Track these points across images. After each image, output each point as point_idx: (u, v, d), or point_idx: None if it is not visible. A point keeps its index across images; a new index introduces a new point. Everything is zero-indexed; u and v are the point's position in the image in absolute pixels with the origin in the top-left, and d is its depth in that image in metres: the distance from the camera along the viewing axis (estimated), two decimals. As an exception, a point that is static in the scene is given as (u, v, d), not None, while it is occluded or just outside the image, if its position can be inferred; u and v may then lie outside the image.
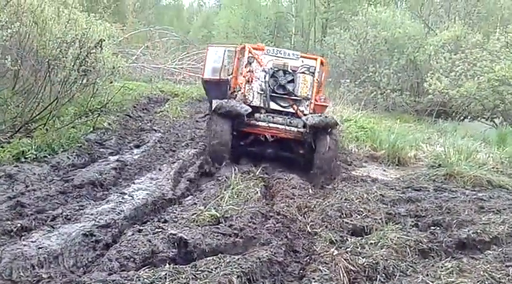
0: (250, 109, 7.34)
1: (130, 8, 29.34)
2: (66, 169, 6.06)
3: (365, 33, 19.99)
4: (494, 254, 3.96)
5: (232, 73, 8.39)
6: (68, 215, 4.02)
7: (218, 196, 5.19)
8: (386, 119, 14.69)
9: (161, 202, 5.04)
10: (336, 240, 4.18)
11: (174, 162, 6.77)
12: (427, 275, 3.48)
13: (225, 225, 4.25)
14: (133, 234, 3.79)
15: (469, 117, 17.90)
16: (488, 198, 6.30)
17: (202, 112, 12.86)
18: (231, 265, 3.28)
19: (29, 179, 5.22)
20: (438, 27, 21.08)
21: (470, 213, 5.35)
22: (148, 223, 4.27)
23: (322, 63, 8.03)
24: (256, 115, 7.56)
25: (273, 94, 7.66)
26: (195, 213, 4.50)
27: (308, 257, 3.91)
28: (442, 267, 3.61)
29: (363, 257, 3.70)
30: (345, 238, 4.28)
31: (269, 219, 4.70)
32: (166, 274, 3.05)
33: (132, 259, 3.35)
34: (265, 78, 7.65)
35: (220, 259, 3.38)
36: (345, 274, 3.43)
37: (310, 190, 6.32)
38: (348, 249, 3.87)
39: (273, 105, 7.71)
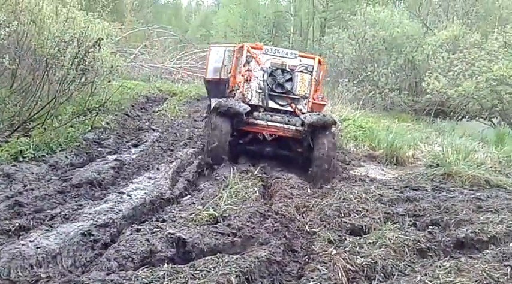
0: (249, 108, 7.35)
1: (128, 7, 29.27)
2: (64, 168, 6.06)
3: (363, 33, 19.97)
4: (492, 254, 3.95)
5: (230, 73, 8.41)
6: (66, 214, 4.02)
7: (216, 195, 5.19)
8: (384, 118, 14.70)
9: (159, 202, 5.04)
10: (334, 240, 4.18)
11: (172, 162, 6.77)
12: (426, 274, 3.48)
13: (224, 225, 4.25)
14: (131, 234, 3.79)
15: (467, 117, 17.91)
16: (486, 197, 6.31)
17: (200, 112, 12.86)
18: (230, 264, 3.28)
19: (27, 178, 5.21)
20: (436, 27, 21.05)
21: (469, 212, 5.35)
22: (146, 222, 4.26)
23: (320, 62, 8.06)
24: (255, 114, 7.58)
25: (271, 93, 7.69)
26: (194, 213, 4.50)
27: (306, 256, 3.92)
28: (440, 266, 3.61)
29: (361, 257, 3.70)
30: (343, 237, 4.28)
31: (267, 219, 4.70)
32: (164, 274, 3.05)
33: (130, 259, 3.35)
34: (263, 77, 7.67)
35: (218, 258, 3.38)
36: (343, 274, 3.43)
37: (308, 189, 6.32)
38: (346, 249, 3.87)
39: (271, 104, 7.73)
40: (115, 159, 6.64)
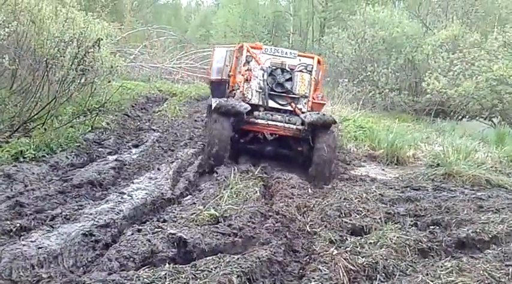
0: (249, 107, 7.38)
1: (128, 7, 29.30)
2: (65, 168, 6.05)
3: (363, 33, 19.98)
4: (493, 254, 3.96)
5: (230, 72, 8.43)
6: (67, 215, 4.02)
7: (217, 195, 5.18)
8: (384, 118, 14.70)
9: (160, 202, 5.04)
10: (335, 240, 4.18)
11: (173, 162, 6.76)
12: (427, 274, 3.48)
13: (225, 225, 4.25)
14: (132, 234, 3.79)
15: (467, 117, 17.91)
16: (487, 197, 6.31)
17: (200, 112, 12.86)
18: (231, 264, 3.28)
19: (27, 179, 5.21)
20: (436, 27, 21.07)
21: (470, 212, 5.36)
22: (147, 222, 4.26)
23: (319, 61, 8.11)
24: (255, 113, 7.61)
25: (271, 92, 7.73)
26: (194, 213, 4.50)
27: (308, 256, 3.91)
28: (441, 266, 3.61)
29: (362, 257, 3.70)
30: (344, 237, 4.28)
31: (268, 219, 4.70)
32: (166, 274, 3.05)
33: (131, 259, 3.35)
34: (263, 76, 7.72)
35: (219, 258, 3.38)
36: (344, 274, 3.43)
37: (309, 189, 6.32)
38: (347, 249, 3.86)
39: (271, 103, 7.77)
40: (115, 159, 6.63)
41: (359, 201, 5.61)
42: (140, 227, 3.96)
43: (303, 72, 7.83)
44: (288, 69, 7.80)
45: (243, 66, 7.82)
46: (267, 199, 5.77)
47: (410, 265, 3.76)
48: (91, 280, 2.95)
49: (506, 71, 14.19)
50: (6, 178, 5.05)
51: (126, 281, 2.96)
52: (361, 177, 7.52)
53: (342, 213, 5.06)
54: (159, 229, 3.87)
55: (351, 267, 3.53)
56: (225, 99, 7.61)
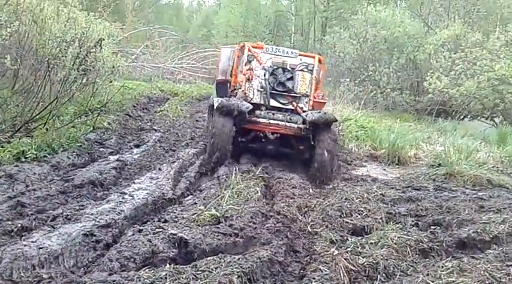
0: (251, 107, 7.42)
1: (129, 7, 29.29)
2: (66, 168, 6.06)
3: (365, 32, 19.96)
4: (494, 254, 3.95)
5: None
6: (68, 215, 4.02)
7: (218, 195, 5.18)
8: (386, 118, 14.69)
9: (161, 202, 5.04)
10: (336, 240, 4.17)
11: (174, 162, 6.77)
12: (428, 274, 3.48)
13: (226, 225, 4.25)
14: (133, 234, 3.79)
15: (469, 116, 17.89)
16: (488, 197, 6.30)
17: (202, 111, 12.87)
18: (232, 265, 3.28)
19: (29, 179, 5.22)
20: (438, 26, 21.06)
21: (471, 212, 5.35)
22: (148, 223, 4.27)
23: (320, 61, 8.15)
24: (257, 112, 7.65)
25: (272, 91, 7.77)
26: (195, 213, 4.50)
27: (308, 257, 3.91)
28: (442, 267, 3.61)
29: (363, 257, 3.70)
30: (345, 237, 4.28)
31: (269, 219, 4.70)
32: (166, 274, 3.05)
33: (132, 259, 3.36)
34: (265, 75, 7.75)
35: (220, 259, 3.38)
36: (345, 274, 3.43)
37: (310, 189, 6.32)
38: (348, 249, 3.86)
39: (273, 102, 7.81)
40: (117, 159, 6.64)
41: (360, 201, 5.60)
42: (141, 228, 3.97)
43: (304, 71, 7.87)
44: (289, 69, 7.83)
45: (245, 65, 7.85)
46: (268, 199, 5.76)
47: (411, 265, 3.76)
48: (92, 281, 2.96)
49: (508, 71, 14.18)
50: (7, 178, 5.06)
51: (126, 281, 2.96)
52: (362, 177, 7.51)
53: (343, 213, 5.05)
54: (160, 230, 3.87)
55: (352, 267, 3.54)
56: (227, 98, 7.64)
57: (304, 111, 7.68)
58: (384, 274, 3.56)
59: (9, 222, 3.78)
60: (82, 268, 3.35)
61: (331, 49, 21.66)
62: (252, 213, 4.67)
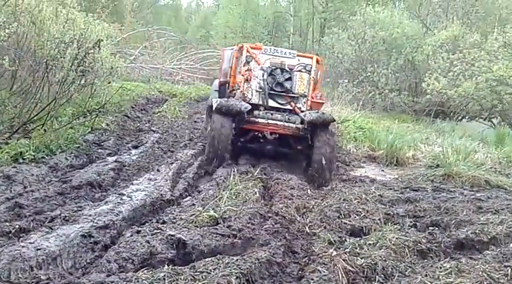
0: (250, 107, 7.49)
1: (128, 8, 29.27)
2: (64, 170, 6.05)
3: (363, 33, 19.98)
4: (492, 255, 3.96)
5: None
6: (66, 216, 4.02)
7: (216, 196, 5.19)
8: (384, 119, 14.71)
9: (159, 203, 5.04)
10: (334, 241, 4.18)
11: (173, 163, 6.77)
12: (426, 275, 3.48)
13: (224, 226, 4.25)
14: (131, 235, 3.79)
15: (467, 117, 17.90)
16: (486, 198, 6.31)
17: (200, 112, 12.86)
18: (230, 266, 3.28)
19: (27, 180, 5.21)
20: (436, 27, 21.08)
21: (469, 213, 5.35)
22: (146, 224, 4.26)
23: (317, 61, 8.19)
24: (256, 112, 7.71)
25: (271, 92, 7.82)
26: (194, 214, 4.50)
27: (307, 258, 3.91)
28: (440, 267, 3.61)
29: (361, 258, 3.70)
30: (343, 238, 4.28)
31: (268, 220, 4.70)
32: (165, 275, 3.05)
33: (130, 261, 3.36)
34: (263, 76, 7.81)
35: (219, 260, 3.38)
36: (343, 275, 3.44)
37: (308, 190, 6.32)
38: (346, 250, 3.86)
39: (271, 103, 7.86)
40: (115, 161, 6.63)
41: (358, 201, 5.61)
42: (139, 229, 3.97)
43: (302, 71, 7.93)
44: (288, 69, 7.89)
45: (243, 66, 7.91)
46: (266, 200, 5.76)
47: (409, 266, 3.76)
48: (90, 282, 2.95)
49: (506, 72, 14.19)
50: (5, 179, 5.06)
51: (125, 282, 2.96)
52: (360, 178, 7.52)
53: (341, 214, 5.06)
54: (158, 231, 3.88)
55: (350, 268, 3.54)
56: (226, 99, 7.69)
57: (302, 111, 7.73)
58: (382, 275, 3.56)
59: (7, 223, 3.78)
60: (80, 269, 3.35)
61: (330, 50, 21.66)
62: (250, 214, 4.67)
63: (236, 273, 3.19)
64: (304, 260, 3.90)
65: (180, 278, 3.05)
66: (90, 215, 4.10)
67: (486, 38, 16.55)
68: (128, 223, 4.28)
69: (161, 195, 5.21)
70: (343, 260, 3.59)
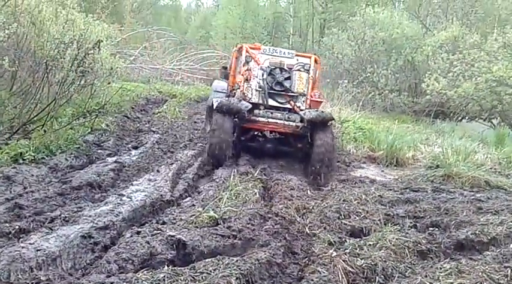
0: (250, 106, 7.58)
1: (128, 9, 29.29)
2: (64, 170, 6.05)
3: (363, 34, 19.99)
4: (492, 255, 3.95)
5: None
6: (66, 217, 4.02)
7: (216, 197, 5.19)
8: (384, 120, 14.71)
9: (159, 204, 5.04)
10: (334, 241, 4.18)
11: (172, 163, 6.76)
12: (426, 276, 3.48)
13: (224, 227, 4.25)
14: (131, 236, 3.79)
15: (466, 118, 17.90)
16: (486, 198, 6.29)
17: (200, 113, 12.86)
18: (230, 266, 3.28)
19: (27, 181, 5.22)
20: (436, 28, 21.10)
21: (469, 213, 5.34)
22: (146, 224, 4.27)
23: (316, 61, 8.29)
24: (256, 111, 7.80)
25: (270, 91, 7.90)
26: (194, 215, 4.50)
27: (307, 258, 3.91)
28: (440, 268, 3.61)
29: (361, 259, 3.70)
30: (343, 239, 4.28)
31: (267, 221, 4.70)
32: (165, 276, 3.05)
33: (130, 261, 3.36)
34: (263, 76, 7.91)
35: (218, 260, 3.38)
36: (343, 276, 3.44)
37: (308, 191, 6.31)
38: (346, 250, 3.86)
39: (271, 102, 7.95)
40: (115, 161, 6.63)
41: (358, 202, 5.61)
42: (139, 230, 3.97)
43: (300, 71, 8.03)
44: (287, 69, 7.98)
45: (243, 66, 8.01)
46: (266, 201, 5.76)
47: (409, 267, 3.76)
48: (90, 283, 2.95)
49: (506, 72, 14.20)
50: (5, 180, 5.06)
51: (125, 283, 2.96)
52: (360, 179, 7.51)
53: (341, 215, 5.06)
54: (158, 231, 3.88)
55: (350, 269, 3.54)
56: (226, 98, 7.78)
57: (301, 110, 7.81)
58: (382, 276, 3.56)
59: (7, 224, 3.78)
60: (80, 270, 3.35)
61: (330, 50, 21.67)
62: (250, 215, 4.67)
63: (236, 274, 3.19)
64: (304, 261, 3.90)
65: (180, 279, 3.05)
66: (90, 216, 4.10)
67: (486, 38, 16.55)
68: (127, 223, 4.28)
69: (161, 195, 5.21)
70: (343, 261, 3.59)
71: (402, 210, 5.48)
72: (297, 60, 8.10)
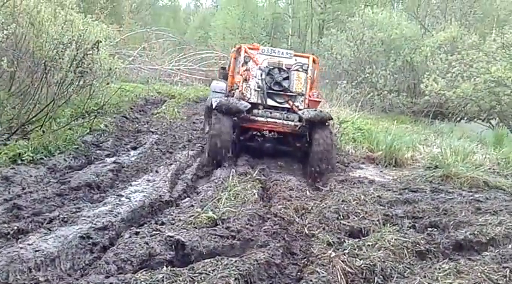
0: (249, 106, 7.64)
1: (127, 9, 29.27)
2: (62, 171, 6.04)
3: (362, 35, 20.03)
4: (491, 256, 3.95)
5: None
6: (64, 217, 4.01)
7: (215, 198, 5.19)
8: (383, 120, 14.73)
9: (158, 204, 5.03)
10: (333, 242, 4.17)
11: (171, 164, 6.77)
12: (425, 276, 3.48)
13: (223, 227, 4.24)
14: (130, 237, 3.78)
15: (465, 118, 17.94)
16: (485, 199, 6.30)
17: (199, 113, 12.86)
18: (229, 267, 3.28)
19: (25, 181, 5.20)
20: (434, 28, 21.15)
21: (467, 214, 5.35)
22: (145, 225, 4.26)
23: (314, 61, 8.38)
24: (255, 111, 7.86)
25: (269, 91, 7.97)
26: (192, 215, 4.50)
27: (305, 259, 3.91)
28: (439, 268, 3.61)
29: (360, 259, 3.70)
30: (342, 239, 4.28)
31: (266, 221, 4.70)
32: (163, 277, 3.05)
33: (129, 262, 3.35)
34: (261, 76, 7.97)
35: (217, 261, 3.38)
36: (342, 276, 3.43)
37: (307, 192, 6.32)
38: (345, 251, 3.86)
39: (269, 101, 8.02)
40: (114, 162, 6.62)
41: (357, 203, 5.60)
42: (138, 230, 3.96)
43: (299, 71, 8.09)
44: (285, 69, 8.04)
45: (242, 66, 8.06)
46: (265, 202, 5.76)
47: (408, 267, 3.76)
48: (88, 283, 2.95)
49: (505, 73, 14.22)
50: (4, 180, 5.04)
51: (123, 284, 2.96)
52: (359, 179, 7.50)
53: (340, 215, 5.05)
54: (157, 232, 3.87)
55: (349, 269, 3.53)
56: (225, 98, 7.82)
57: (300, 110, 7.87)
58: (381, 276, 3.56)
59: (6, 225, 3.77)
60: (79, 271, 3.35)
61: (328, 51, 21.71)
62: (249, 215, 4.67)
63: (235, 274, 3.18)
64: (303, 261, 3.90)
65: (179, 280, 3.05)
66: (88, 216, 4.09)
67: (484, 39, 16.59)
68: (126, 224, 4.27)
69: (160, 196, 5.21)
70: (342, 261, 3.59)
71: (401, 210, 5.48)
72: (295, 60, 8.15)
